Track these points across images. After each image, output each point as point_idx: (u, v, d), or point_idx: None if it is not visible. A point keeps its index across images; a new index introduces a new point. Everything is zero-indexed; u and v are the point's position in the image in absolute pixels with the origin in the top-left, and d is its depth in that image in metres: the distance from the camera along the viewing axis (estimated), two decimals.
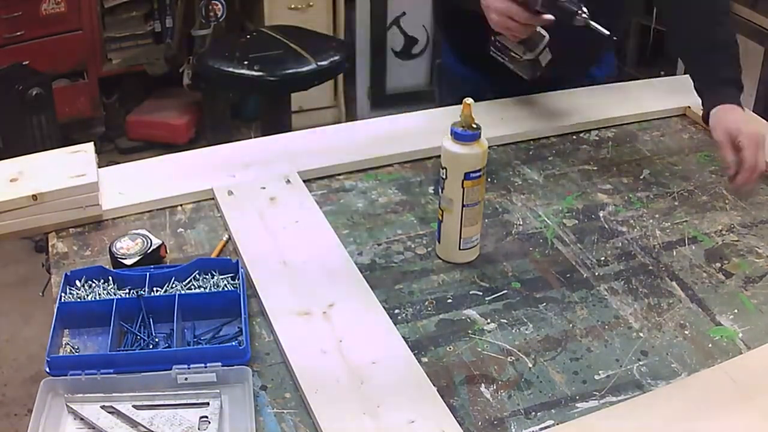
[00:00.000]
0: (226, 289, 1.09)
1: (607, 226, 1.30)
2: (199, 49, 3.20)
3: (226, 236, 1.23)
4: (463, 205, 1.15)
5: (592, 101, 1.64)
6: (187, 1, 3.35)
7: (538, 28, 1.32)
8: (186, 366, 0.96)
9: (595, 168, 1.45)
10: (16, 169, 1.26)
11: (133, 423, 0.92)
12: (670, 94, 1.68)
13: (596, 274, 1.20)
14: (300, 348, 1.02)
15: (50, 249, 1.21)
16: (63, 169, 1.26)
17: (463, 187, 1.14)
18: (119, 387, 0.94)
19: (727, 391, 0.97)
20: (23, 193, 1.20)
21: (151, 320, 1.05)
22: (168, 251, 1.19)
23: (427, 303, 1.13)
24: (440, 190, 1.16)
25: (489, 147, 1.15)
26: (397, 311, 1.11)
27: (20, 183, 1.23)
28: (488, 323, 1.10)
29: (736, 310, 1.13)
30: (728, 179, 1.36)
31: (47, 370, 0.96)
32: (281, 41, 2.65)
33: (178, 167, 1.38)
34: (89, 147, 1.32)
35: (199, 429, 0.91)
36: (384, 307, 1.10)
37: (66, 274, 1.09)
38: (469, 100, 1.11)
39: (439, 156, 1.15)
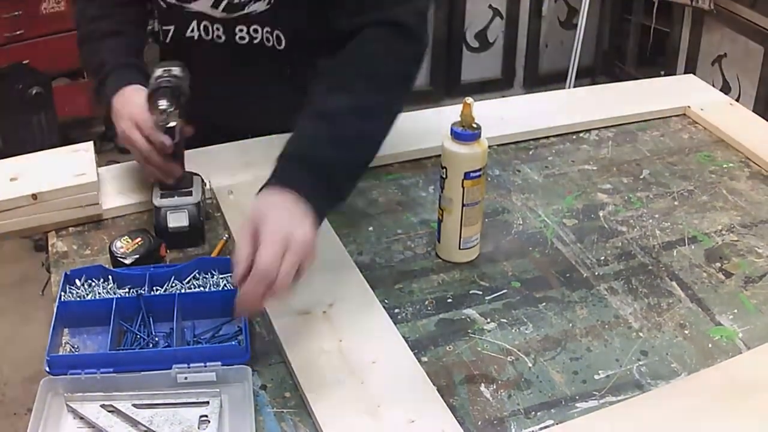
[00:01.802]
0: (225, 288, 1.09)
1: (607, 226, 1.30)
2: None
3: (226, 236, 1.23)
4: (463, 205, 1.15)
5: (592, 101, 1.64)
6: None
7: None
8: (186, 365, 0.96)
9: (595, 168, 1.45)
10: (16, 168, 1.26)
11: (132, 422, 0.92)
12: (670, 94, 1.68)
13: (596, 273, 1.20)
14: (300, 348, 1.02)
15: (50, 248, 1.21)
16: (63, 168, 1.25)
17: (463, 186, 1.14)
18: (119, 386, 0.94)
19: (727, 391, 0.97)
20: (23, 193, 1.20)
21: (151, 319, 1.05)
22: (168, 251, 1.19)
23: (427, 303, 1.13)
24: (440, 190, 1.16)
25: (489, 147, 1.15)
26: (397, 311, 1.11)
27: (20, 182, 1.23)
28: (488, 323, 1.10)
29: (736, 310, 1.13)
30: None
31: (47, 369, 0.96)
32: None
33: None
34: (89, 146, 1.32)
35: (198, 428, 0.91)
36: (384, 307, 1.10)
37: (66, 273, 1.09)
38: (469, 100, 1.11)
39: (439, 156, 1.15)
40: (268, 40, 1.32)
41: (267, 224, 0.94)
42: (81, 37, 1.36)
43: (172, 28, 1.35)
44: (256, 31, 1.31)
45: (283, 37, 1.31)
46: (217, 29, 1.32)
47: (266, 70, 1.35)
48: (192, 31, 1.34)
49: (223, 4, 1.29)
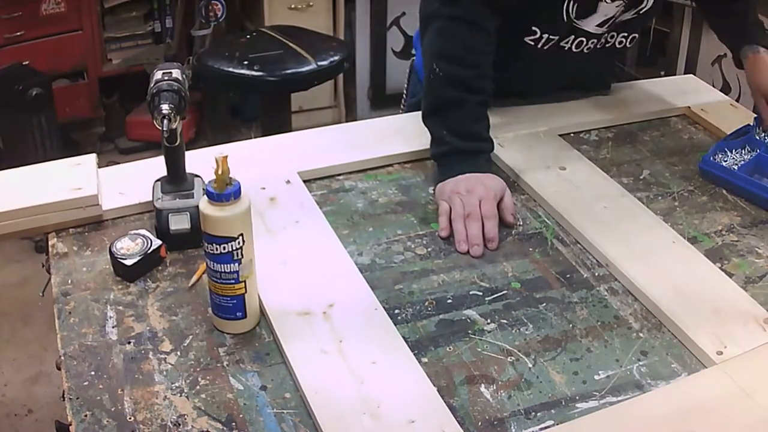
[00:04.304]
0: None
1: None
2: (199, 49, 3.20)
3: None
4: None
5: (592, 101, 1.64)
6: (187, 1, 3.35)
7: None
8: None
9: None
10: (17, 181, 1.26)
11: None
12: (670, 94, 1.68)
13: (596, 274, 1.20)
14: (300, 348, 1.02)
15: (50, 249, 1.21)
16: (64, 182, 1.25)
17: None
18: None
19: (727, 391, 0.97)
20: (22, 206, 1.20)
21: None
22: (168, 252, 1.19)
23: (427, 303, 1.13)
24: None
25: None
26: (397, 311, 1.11)
27: (20, 195, 1.22)
28: (488, 323, 1.10)
29: None
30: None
31: None
32: (281, 41, 2.65)
33: None
34: (91, 159, 1.31)
35: None
36: (384, 307, 1.10)
37: None
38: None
39: None
40: (620, 43, 1.51)
41: None
42: (455, 78, 1.36)
43: (557, 38, 1.45)
44: (612, 36, 1.49)
45: (637, 36, 1.51)
46: (592, 43, 1.47)
47: (602, 66, 1.62)
48: (567, 42, 1.46)
49: (608, 24, 1.44)
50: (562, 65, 1.52)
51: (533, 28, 1.44)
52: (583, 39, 1.46)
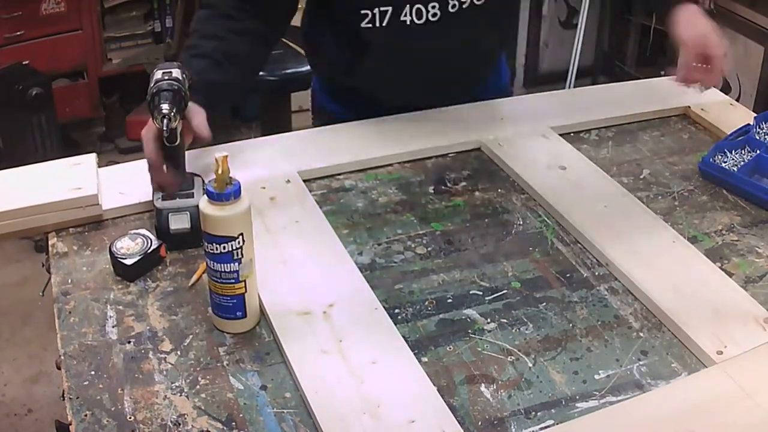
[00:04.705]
0: None
1: None
2: None
3: None
4: None
5: (592, 101, 1.64)
6: (187, 1, 3.35)
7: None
8: None
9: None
10: (16, 180, 1.26)
11: None
12: (670, 94, 1.68)
13: (596, 273, 1.20)
14: (300, 348, 1.02)
15: (50, 249, 1.21)
16: (64, 182, 1.25)
17: None
18: None
19: (727, 391, 0.97)
20: (22, 206, 1.20)
21: None
22: (168, 252, 1.19)
23: (427, 303, 1.13)
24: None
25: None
26: (397, 311, 1.11)
27: (20, 195, 1.22)
28: (488, 323, 1.10)
29: None
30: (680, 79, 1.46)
31: None
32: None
33: None
34: (91, 158, 1.31)
35: None
36: (384, 307, 1.10)
37: None
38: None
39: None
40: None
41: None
42: (185, 47, 1.36)
43: (389, 8, 1.35)
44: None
45: None
46: (432, 7, 1.36)
47: (472, 31, 1.43)
48: (406, 15, 1.36)
49: None
50: (429, 51, 1.41)
51: (363, 11, 1.36)
52: (421, 6, 1.35)
